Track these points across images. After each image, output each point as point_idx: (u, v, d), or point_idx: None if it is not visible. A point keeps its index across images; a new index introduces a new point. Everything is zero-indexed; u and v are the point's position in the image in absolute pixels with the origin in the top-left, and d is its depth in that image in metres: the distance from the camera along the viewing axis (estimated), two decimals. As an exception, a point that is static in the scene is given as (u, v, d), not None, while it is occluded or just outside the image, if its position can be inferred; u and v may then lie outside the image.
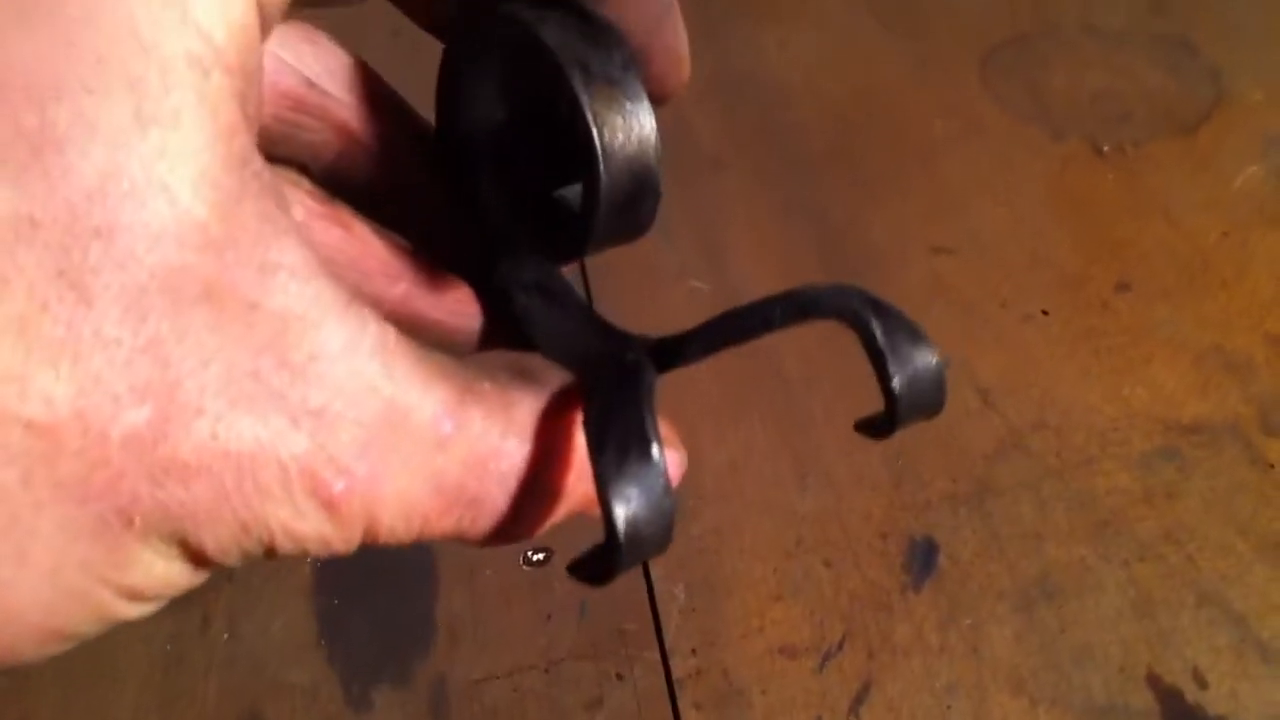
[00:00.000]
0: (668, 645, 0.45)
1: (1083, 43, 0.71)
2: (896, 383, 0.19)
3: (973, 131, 0.66)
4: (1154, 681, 0.43)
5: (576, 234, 0.23)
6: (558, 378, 0.21)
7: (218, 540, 0.17)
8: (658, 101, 0.23)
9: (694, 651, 0.45)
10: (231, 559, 0.18)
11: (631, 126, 0.21)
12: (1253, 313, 0.55)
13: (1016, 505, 0.49)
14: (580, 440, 0.20)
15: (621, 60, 0.21)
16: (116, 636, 0.45)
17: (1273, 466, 0.49)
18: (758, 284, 0.58)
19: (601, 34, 0.21)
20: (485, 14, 0.22)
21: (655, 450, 0.19)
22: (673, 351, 0.22)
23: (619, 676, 0.44)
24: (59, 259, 0.15)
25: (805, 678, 0.44)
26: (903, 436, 0.52)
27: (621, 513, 0.18)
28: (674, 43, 0.23)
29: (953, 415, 0.51)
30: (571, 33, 0.21)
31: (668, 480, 0.19)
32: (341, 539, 0.18)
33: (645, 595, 0.46)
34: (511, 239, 0.25)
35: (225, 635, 0.46)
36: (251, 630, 0.46)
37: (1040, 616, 0.45)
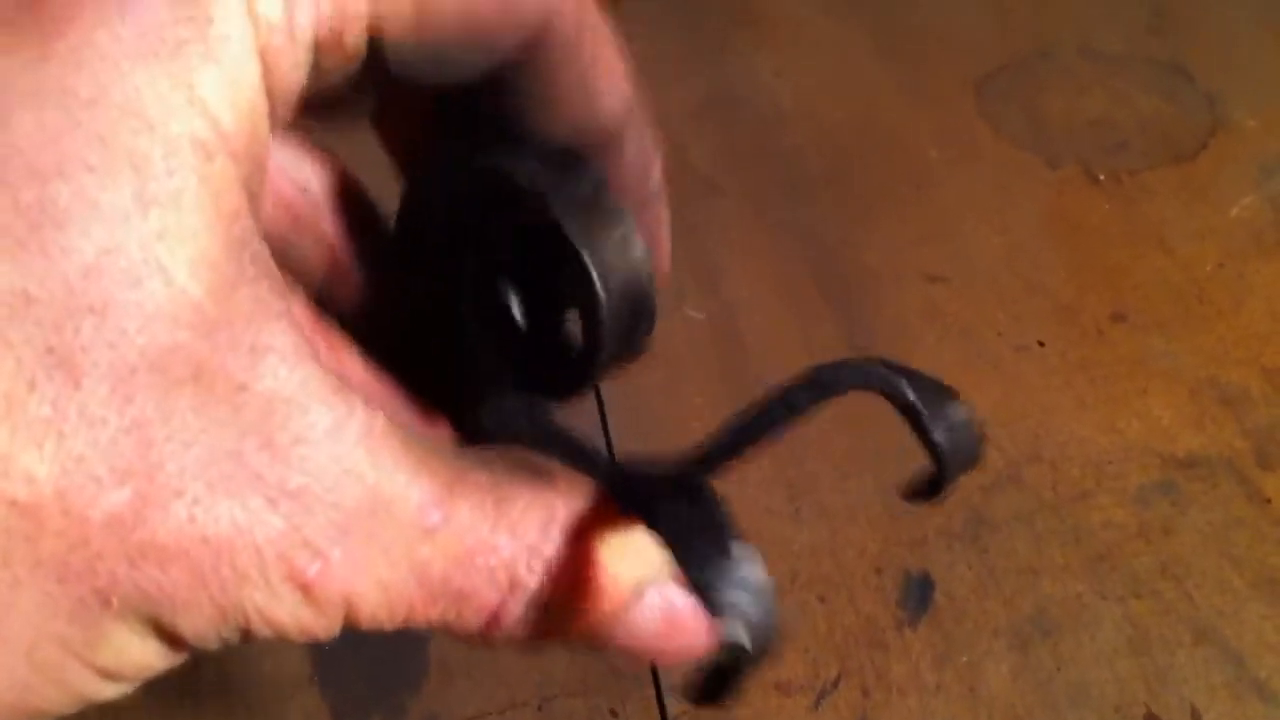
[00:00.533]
0: (662, 682, 0.45)
1: (1079, 67, 0.71)
2: (940, 438, 0.19)
3: (968, 157, 0.66)
4: (1150, 721, 0.43)
5: (576, 368, 0.22)
6: (567, 480, 0.21)
7: (194, 625, 0.17)
8: (635, 205, 0.23)
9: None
10: (209, 643, 0.17)
11: (620, 248, 0.21)
12: (1249, 345, 0.55)
13: (1011, 539, 0.48)
14: (597, 558, 0.20)
15: (592, 182, 0.21)
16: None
17: (1269, 501, 0.49)
18: (753, 310, 0.58)
19: (568, 159, 0.21)
20: (452, 156, 0.22)
21: (755, 559, 0.18)
22: (703, 466, 0.21)
23: (613, 713, 0.44)
24: (50, 336, 0.15)
25: (800, 716, 0.44)
26: (896, 469, 0.52)
27: (740, 625, 0.18)
28: (639, 149, 0.23)
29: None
30: (537, 163, 0.21)
31: (772, 589, 0.18)
32: (321, 625, 0.18)
33: (639, 631, 0.46)
34: (497, 378, 0.24)
35: (216, 673, 0.45)
36: (243, 667, 0.45)
37: (1036, 654, 0.45)
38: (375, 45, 0.19)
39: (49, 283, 0.15)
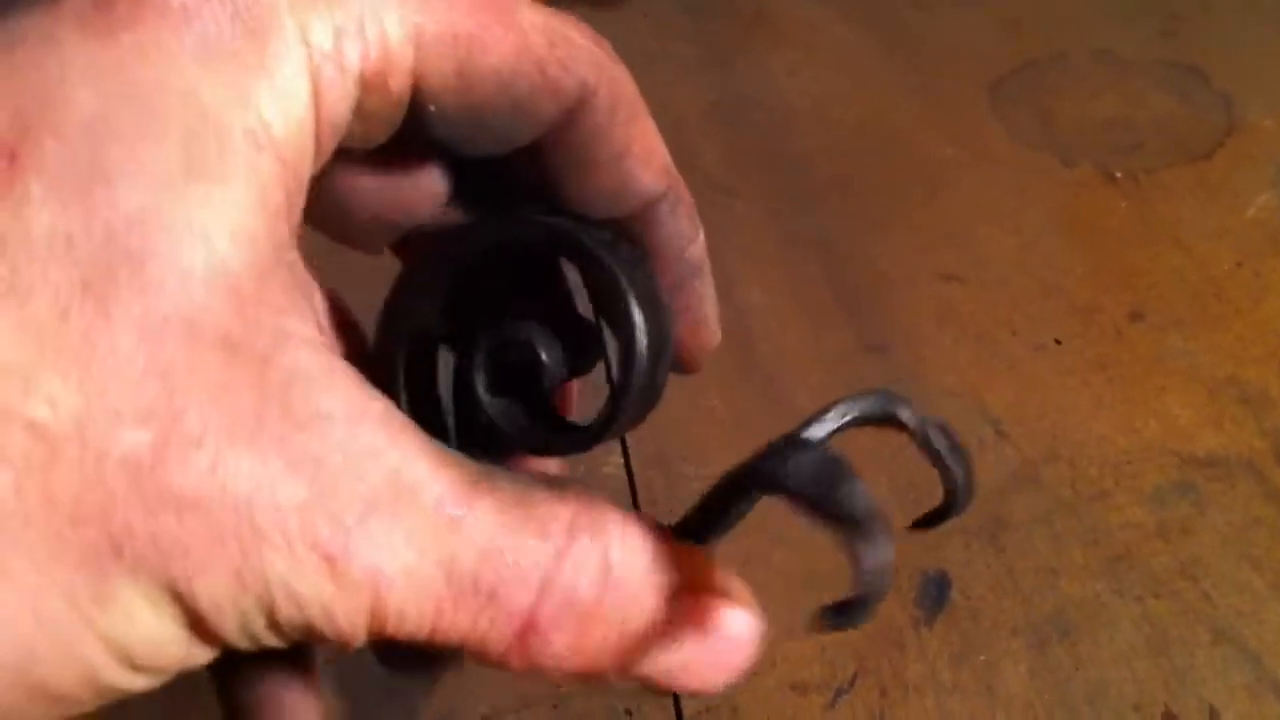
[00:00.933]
0: (677, 681, 0.44)
1: (1092, 70, 0.71)
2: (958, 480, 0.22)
3: (982, 158, 0.66)
4: (1170, 721, 0.42)
5: (605, 413, 0.23)
6: (582, 492, 0.20)
7: (211, 591, 0.16)
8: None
9: (704, 688, 0.44)
10: (229, 623, 0.17)
11: (651, 291, 0.22)
12: (1267, 344, 0.54)
13: (1030, 539, 0.48)
14: (661, 579, 0.20)
15: (629, 245, 0.23)
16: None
17: (1288, 501, 0.48)
18: (766, 314, 0.58)
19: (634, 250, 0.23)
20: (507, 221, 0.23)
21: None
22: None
23: (628, 713, 0.44)
24: (87, 273, 0.15)
25: (817, 715, 0.43)
26: (914, 466, 0.51)
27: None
28: (678, 223, 0.24)
29: (964, 446, 0.51)
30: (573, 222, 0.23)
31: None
32: (345, 612, 0.17)
33: (654, 630, 0.46)
34: (501, 442, 0.24)
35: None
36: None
37: (1054, 653, 0.44)
38: (419, 100, 0.20)
39: (92, 229, 0.16)
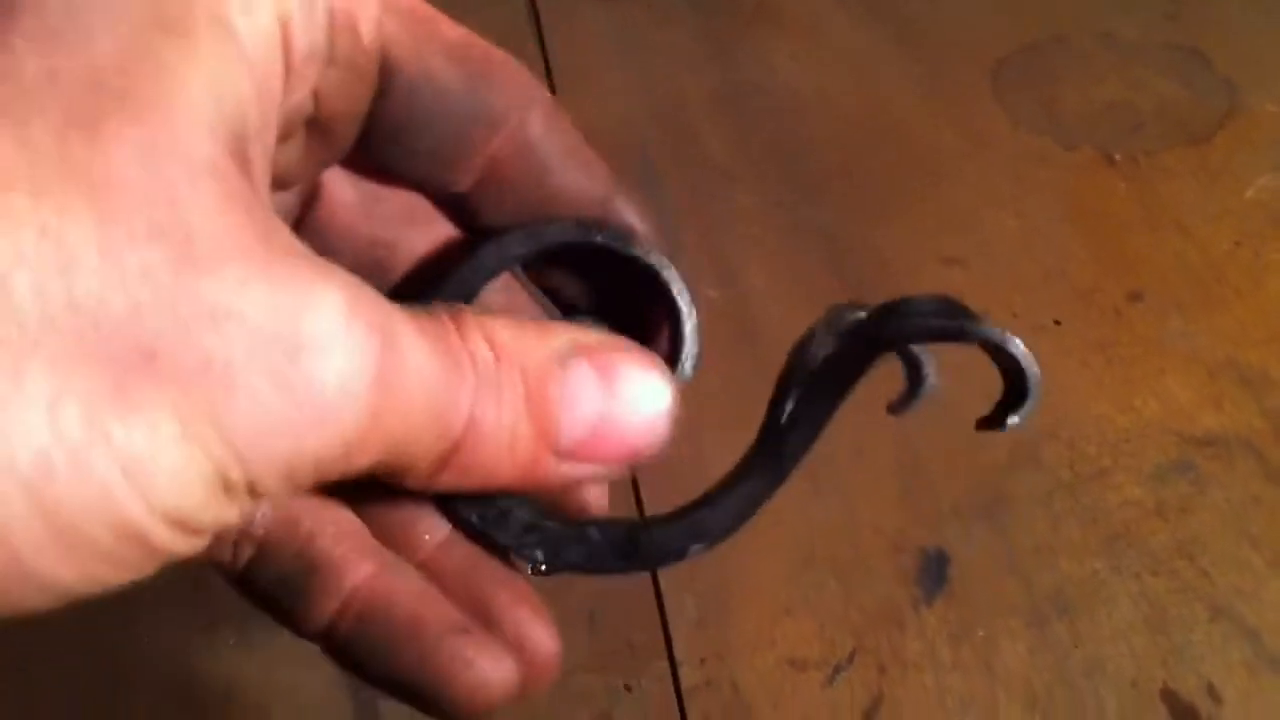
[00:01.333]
0: (677, 657, 0.45)
1: (1093, 53, 0.71)
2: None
3: (983, 142, 0.66)
4: (1168, 696, 0.43)
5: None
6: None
7: (253, 410, 0.16)
8: None
9: (703, 663, 0.44)
10: (266, 446, 0.16)
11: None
12: (1266, 325, 0.54)
13: (1029, 518, 0.48)
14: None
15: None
16: (124, 641, 0.45)
17: (1288, 479, 0.48)
18: (768, 298, 0.58)
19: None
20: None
21: None
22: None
23: (627, 688, 0.44)
24: (78, 105, 0.16)
25: (815, 691, 0.44)
26: (915, 446, 0.52)
27: (1027, 353, 0.21)
28: (626, 220, 0.26)
29: (964, 426, 0.51)
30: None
31: None
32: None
33: (654, 606, 0.46)
34: None
35: (232, 641, 0.46)
36: (260, 637, 0.46)
37: (1053, 631, 0.45)
38: (386, 70, 0.22)
39: (76, 70, 0.16)
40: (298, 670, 0.45)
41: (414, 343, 0.18)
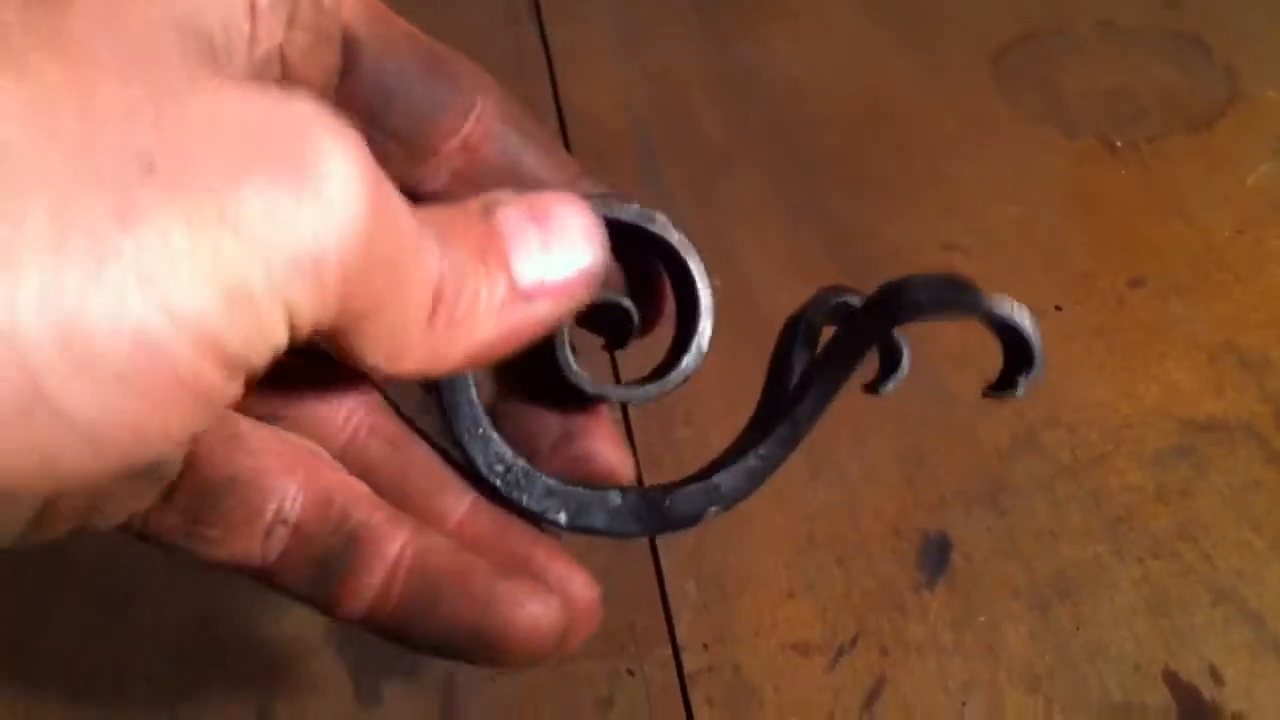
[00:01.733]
0: (679, 641, 0.45)
1: (1095, 40, 0.71)
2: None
3: (984, 129, 0.66)
4: (1170, 679, 0.43)
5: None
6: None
7: (265, 206, 0.15)
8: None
9: (705, 647, 0.44)
10: (273, 251, 0.15)
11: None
12: (1267, 310, 0.54)
13: (1030, 502, 0.48)
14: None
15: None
16: (125, 634, 0.45)
17: (1289, 464, 0.48)
18: (767, 283, 0.58)
19: None
20: None
21: None
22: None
23: (630, 673, 0.44)
24: None
25: (818, 675, 0.44)
26: (917, 430, 0.52)
27: (1023, 314, 0.23)
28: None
29: (965, 411, 0.51)
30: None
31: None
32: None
33: (657, 591, 0.46)
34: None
35: (237, 632, 0.45)
36: (263, 627, 0.45)
37: (1055, 614, 0.45)
38: (349, 45, 0.23)
39: None
40: (298, 656, 0.45)
41: (391, 185, 0.18)
